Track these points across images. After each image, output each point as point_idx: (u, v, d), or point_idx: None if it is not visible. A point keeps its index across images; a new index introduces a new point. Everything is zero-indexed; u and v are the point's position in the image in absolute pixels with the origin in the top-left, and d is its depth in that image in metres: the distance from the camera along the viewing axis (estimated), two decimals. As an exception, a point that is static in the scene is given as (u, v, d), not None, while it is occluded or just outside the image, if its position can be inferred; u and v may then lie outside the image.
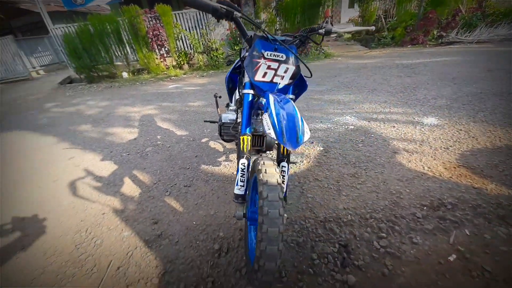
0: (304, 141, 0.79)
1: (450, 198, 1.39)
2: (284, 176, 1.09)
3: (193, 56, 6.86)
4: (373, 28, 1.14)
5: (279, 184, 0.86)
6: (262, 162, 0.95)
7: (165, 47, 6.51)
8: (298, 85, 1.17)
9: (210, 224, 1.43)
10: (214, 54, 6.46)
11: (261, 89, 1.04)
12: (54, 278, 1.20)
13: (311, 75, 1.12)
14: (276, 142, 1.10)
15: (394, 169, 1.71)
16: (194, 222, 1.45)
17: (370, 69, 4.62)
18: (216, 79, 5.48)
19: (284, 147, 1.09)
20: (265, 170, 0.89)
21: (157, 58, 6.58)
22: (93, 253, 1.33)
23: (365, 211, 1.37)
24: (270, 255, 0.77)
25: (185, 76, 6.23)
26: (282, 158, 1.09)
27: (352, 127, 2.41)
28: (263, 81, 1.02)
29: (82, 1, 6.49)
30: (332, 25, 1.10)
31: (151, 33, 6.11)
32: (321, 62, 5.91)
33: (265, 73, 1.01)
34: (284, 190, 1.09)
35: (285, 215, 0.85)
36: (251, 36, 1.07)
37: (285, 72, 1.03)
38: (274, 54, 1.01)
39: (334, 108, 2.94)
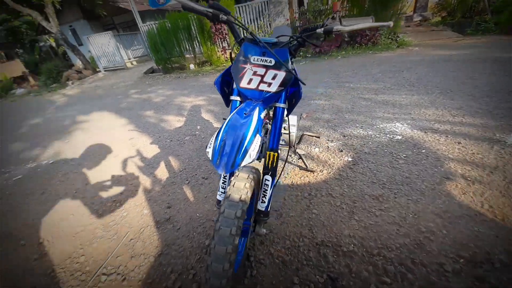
0: (242, 165, 0.71)
1: (504, 254, 1.00)
2: (266, 190, 1.02)
3: (251, 48, 7.00)
4: (391, 24, 0.88)
5: (241, 200, 0.82)
6: (237, 174, 0.92)
7: (226, 40, 6.87)
8: (296, 92, 1.04)
9: (210, 219, 1.49)
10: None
11: (246, 97, 0.98)
12: (88, 236, 1.52)
13: (304, 83, 0.98)
14: (267, 151, 1.03)
15: (436, 200, 1.34)
16: (198, 214, 1.55)
17: (454, 63, 3.64)
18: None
19: (269, 159, 1.02)
20: (234, 184, 0.86)
21: (218, 51, 7.03)
22: (118, 222, 1.60)
23: (374, 245, 1.15)
24: (215, 273, 0.75)
25: (241, 68, 6.46)
26: (267, 171, 1.02)
27: (400, 137, 1.99)
28: (248, 88, 0.96)
29: (164, 0, 7.48)
30: (341, 21, 0.91)
31: (214, 27, 6.53)
32: (389, 53, 5.04)
33: (251, 80, 0.94)
34: (265, 205, 1.03)
35: (244, 239, 0.79)
36: (242, 39, 1.01)
37: (273, 78, 0.94)
38: (261, 59, 0.93)
39: (385, 111, 2.49)
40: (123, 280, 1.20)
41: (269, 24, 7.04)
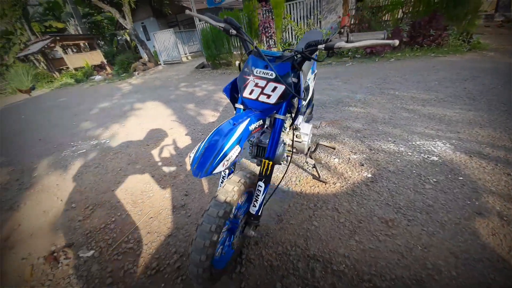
0: (215, 172, 0.77)
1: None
2: (258, 195, 1.07)
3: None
4: (396, 42, 0.79)
5: (226, 202, 0.89)
6: (231, 176, 1.00)
7: (272, 38, 6.91)
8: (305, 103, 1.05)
9: (217, 213, 1.61)
10: (317, 45, 6.20)
11: (247, 106, 1.04)
12: (121, 209, 1.81)
13: (297, 95, 0.98)
14: (263, 159, 1.08)
15: (456, 237, 1.17)
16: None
17: (543, 74, 2.93)
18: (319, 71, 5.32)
19: (264, 166, 1.06)
20: (224, 185, 0.95)
21: (264, 48, 7.14)
22: (145, 201, 1.87)
23: (367, 270, 1.09)
24: (194, 262, 0.86)
25: (283, 67, 6.45)
26: (261, 177, 1.07)
27: (436, 158, 1.76)
28: (250, 98, 1.01)
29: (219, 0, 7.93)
30: (348, 37, 0.87)
31: (261, 25, 6.64)
32: (456, 57, 4.32)
33: (252, 91, 1.00)
34: (256, 209, 1.08)
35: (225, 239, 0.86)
36: (250, 51, 1.06)
37: (273, 91, 0.97)
38: (263, 72, 0.97)
39: (428, 126, 2.21)
40: (138, 251, 1.42)
41: (319, 21, 6.79)
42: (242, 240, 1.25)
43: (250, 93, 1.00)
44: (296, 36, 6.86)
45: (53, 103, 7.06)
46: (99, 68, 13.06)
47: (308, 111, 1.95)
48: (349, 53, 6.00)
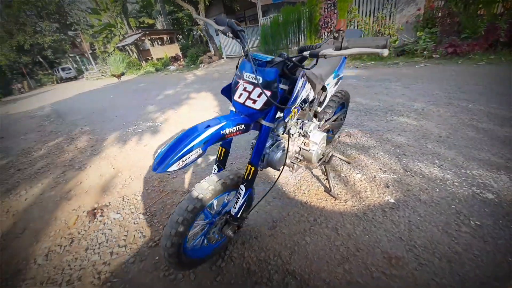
0: (169, 170, 0.80)
1: None
2: (239, 198, 1.08)
3: (358, 44, 6.24)
4: (384, 52, 0.62)
5: (198, 199, 0.95)
6: (212, 175, 1.04)
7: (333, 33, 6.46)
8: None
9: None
10: (384, 42, 5.46)
11: (236, 108, 1.04)
12: (149, 184, 2.11)
13: (276, 104, 0.92)
14: (248, 164, 1.07)
15: (481, 301, 0.90)
16: (215, 198, 1.79)
17: None
18: (370, 72, 4.78)
19: (246, 171, 1.06)
20: (201, 182, 1.00)
21: (322, 45, 6.75)
22: (169, 183, 2.11)
23: (344, 304, 0.97)
24: (162, 246, 0.95)
25: (340, 65, 5.97)
26: (243, 181, 1.07)
27: (492, 196, 1.36)
28: (238, 102, 1.01)
29: (283, -6, 7.85)
30: (342, 42, 0.77)
31: (322, 20, 6.27)
32: None
33: (241, 94, 0.99)
34: (235, 211, 1.09)
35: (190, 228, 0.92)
36: (245, 55, 1.04)
37: (259, 96, 0.94)
38: (251, 76, 0.95)
39: (497, 153, 1.71)
40: (149, 223, 1.64)
41: (390, 14, 5.94)
42: (225, 236, 1.28)
43: (239, 97, 1.00)
44: (362, 31, 6.21)
45: (134, 87, 8.54)
46: (174, 59, 14.93)
47: (333, 117, 1.79)
48: (424, 52, 5.07)
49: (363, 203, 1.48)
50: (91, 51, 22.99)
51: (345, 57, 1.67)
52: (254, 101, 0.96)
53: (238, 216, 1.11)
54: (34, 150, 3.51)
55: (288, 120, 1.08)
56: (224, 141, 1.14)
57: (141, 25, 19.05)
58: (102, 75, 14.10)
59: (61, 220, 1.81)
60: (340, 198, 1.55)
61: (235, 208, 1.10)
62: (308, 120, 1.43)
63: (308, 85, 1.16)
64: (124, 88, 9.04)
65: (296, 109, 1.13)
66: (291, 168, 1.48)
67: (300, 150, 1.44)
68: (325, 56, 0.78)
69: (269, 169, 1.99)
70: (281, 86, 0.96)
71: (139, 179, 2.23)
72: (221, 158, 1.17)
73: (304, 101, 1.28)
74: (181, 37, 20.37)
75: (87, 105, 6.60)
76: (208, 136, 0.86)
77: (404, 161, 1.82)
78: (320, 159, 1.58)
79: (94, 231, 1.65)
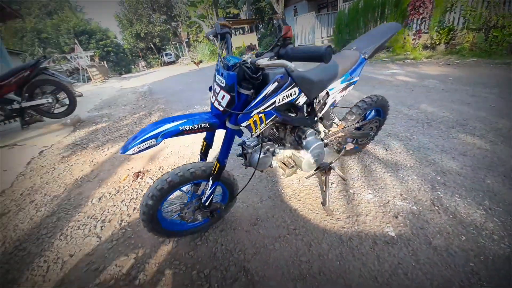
0: (127, 153, 0.94)
1: None
2: (206, 190, 1.19)
3: (458, 34, 4.86)
4: (286, 65, 0.50)
5: (167, 181, 1.12)
6: (186, 164, 1.19)
7: (426, 22, 5.26)
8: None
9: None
10: (497, 33, 4.06)
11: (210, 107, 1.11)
12: (175, 161, 2.47)
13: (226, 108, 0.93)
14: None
15: None
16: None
17: None
18: (463, 72, 3.76)
19: (215, 167, 1.14)
20: (176, 167, 1.16)
21: (408, 35, 5.63)
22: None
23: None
24: (139, 214, 1.18)
25: (425, 60, 4.89)
26: (211, 174, 1.16)
27: (549, 270, 0.95)
28: (211, 101, 1.07)
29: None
30: (279, 50, 0.72)
31: (412, 4, 5.17)
32: None
33: (213, 95, 1.05)
34: (204, 200, 1.21)
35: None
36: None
37: (222, 98, 0.98)
38: (219, 78, 1.00)
39: None
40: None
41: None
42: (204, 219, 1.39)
43: (212, 97, 1.07)
44: (465, 18, 4.80)
45: (208, 74, 9.57)
46: (249, 48, 15.66)
47: (352, 126, 1.59)
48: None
49: (355, 228, 1.32)
50: (186, 40, 26.89)
51: (365, 59, 1.42)
52: (219, 103, 1.02)
53: (207, 204, 1.23)
54: (125, 119, 4.60)
55: (249, 125, 1.05)
56: (208, 134, 1.25)
57: (227, 15, 20.67)
58: (191, 61, 16.39)
59: (118, 175, 2.40)
60: (332, 215, 1.42)
61: (203, 197, 1.22)
62: (305, 126, 1.36)
63: (292, 90, 1.10)
64: (200, 74, 10.29)
65: (266, 115, 1.08)
66: (283, 172, 1.46)
67: (292, 156, 1.40)
68: (256, 65, 0.76)
69: (278, 169, 1.98)
70: (243, 91, 0.97)
71: (177, 154, 2.64)
72: (203, 150, 1.29)
73: (294, 106, 1.22)
74: (261, 26, 20.99)
75: (171, 86, 7.93)
76: (164, 130, 0.98)
77: (438, 192, 1.46)
78: (317, 169, 1.47)
79: (132, 189, 2.12)
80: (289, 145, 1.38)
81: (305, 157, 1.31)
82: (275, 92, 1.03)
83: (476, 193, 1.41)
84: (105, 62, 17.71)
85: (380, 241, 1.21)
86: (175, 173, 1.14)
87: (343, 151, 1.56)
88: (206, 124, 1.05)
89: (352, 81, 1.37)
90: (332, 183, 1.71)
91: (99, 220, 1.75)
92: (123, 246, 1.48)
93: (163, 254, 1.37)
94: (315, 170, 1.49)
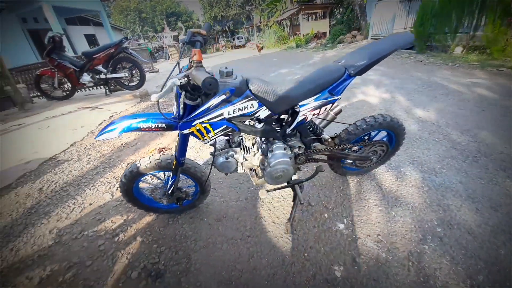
0: (97, 139, 1.13)
1: None
2: (169, 177, 1.35)
3: None
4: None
5: (137, 166, 1.33)
6: (158, 156, 1.37)
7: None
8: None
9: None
10: None
11: None
12: (196, 147, 2.74)
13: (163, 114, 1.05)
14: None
15: None
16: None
17: None
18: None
19: (174, 163, 1.28)
20: (148, 157, 1.36)
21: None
22: (199, 149, 2.64)
23: None
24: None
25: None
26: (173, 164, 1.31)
27: None
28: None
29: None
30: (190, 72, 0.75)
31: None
32: None
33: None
34: (167, 188, 1.38)
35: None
36: None
37: (175, 104, 1.08)
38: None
39: None
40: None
41: None
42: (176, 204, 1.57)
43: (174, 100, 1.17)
44: None
45: (266, 61, 9.61)
46: (316, 36, 14.69)
47: (345, 147, 1.44)
48: None
49: (304, 254, 1.26)
50: (258, 24, 27.21)
51: (350, 76, 1.21)
52: (174, 108, 1.12)
53: (169, 192, 1.40)
54: None
55: (191, 132, 1.12)
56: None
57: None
58: (255, 46, 16.66)
59: (148, 148, 2.86)
60: (290, 234, 1.38)
61: (167, 185, 1.39)
62: (274, 139, 1.32)
63: (249, 103, 1.09)
64: (260, 60, 10.39)
65: (212, 125, 1.11)
66: (253, 179, 1.48)
67: (259, 165, 1.40)
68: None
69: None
70: (187, 101, 1.03)
71: (193, 147, 2.92)
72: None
73: (258, 119, 1.20)
74: (337, 11, 19.21)
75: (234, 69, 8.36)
76: (125, 126, 1.13)
77: (425, 247, 1.21)
78: (288, 184, 1.43)
79: (150, 162, 2.51)
80: (258, 155, 1.38)
81: (267, 169, 1.30)
82: (224, 104, 1.06)
83: (476, 264, 1.10)
84: (184, 42, 19.92)
85: (320, 277, 1.14)
86: (145, 161, 1.33)
87: (313, 172, 1.45)
88: (163, 125, 1.17)
89: (329, 99, 1.22)
90: (310, 203, 1.62)
91: (118, 182, 2.17)
92: (123, 207, 1.83)
93: (143, 223, 1.64)
94: (285, 185, 1.46)
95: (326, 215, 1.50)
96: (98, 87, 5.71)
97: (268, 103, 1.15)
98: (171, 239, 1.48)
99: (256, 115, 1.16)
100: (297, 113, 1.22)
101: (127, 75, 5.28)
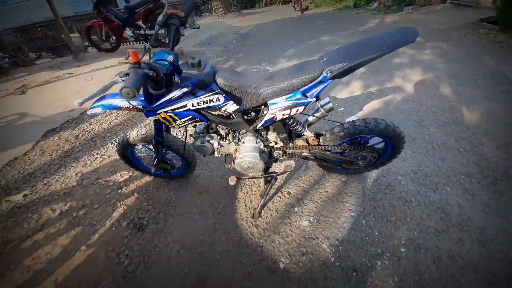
0: (87, 113, 1.29)
1: None
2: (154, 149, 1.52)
3: None
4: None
5: (128, 136, 1.51)
6: (145, 130, 1.52)
7: None
8: None
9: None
10: None
11: None
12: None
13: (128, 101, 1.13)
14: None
15: None
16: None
17: None
18: None
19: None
20: (137, 130, 1.52)
21: None
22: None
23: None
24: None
25: None
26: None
27: None
28: None
29: None
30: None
31: None
32: None
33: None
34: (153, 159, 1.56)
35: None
36: None
37: None
38: None
39: None
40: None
41: None
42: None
43: None
44: None
45: (310, 26, 8.60)
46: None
47: (331, 150, 1.39)
48: None
49: (260, 241, 1.37)
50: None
51: (327, 78, 1.06)
52: None
53: (155, 163, 1.58)
54: (216, 57, 5.23)
55: (158, 120, 1.21)
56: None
57: None
58: (310, 3, 14.82)
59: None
60: (255, 220, 1.49)
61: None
62: (245, 131, 1.34)
63: (215, 97, 1.10)
64: (303, 23, 9.33)
65: (177, 115, 1.17)
66: (226, 165, 1.55)
67: (234, 153, 1.46)
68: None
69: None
70: (151, 90, 1.07)
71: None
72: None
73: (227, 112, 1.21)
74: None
75: (267, 33, 7.80)
76: (108, 103, 1.26)
77: (377, 262, 1.20)
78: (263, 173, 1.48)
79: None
80: (233, 143, 1.42)
81: (237, 161, 1.35)
82: (188, 96, 1.09)
83: (422, 291, 1.07)
84: (232, -6, 18.64)
85: (264, 263, 1.25)
86: (133, 132, 1.50)
87: (282, 170, 1.46)
88: (140, 106, 1.26)
89: (302, 101, 1.12)
90: (289, 192, 1.66)
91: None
92: (131, 164, 2.14)
93: (142, 182, 1.92)
94: (255, 176, 1.51)
95: (296, 209, 1.54)
96: (139, 42, 6.04)
97: (234, 98, 1.14)
98: (158, 201, 1.73)
99: (223, 109, 1.17)
100: (268, 110, 1.19)
101: (163, 32, 5.40)
